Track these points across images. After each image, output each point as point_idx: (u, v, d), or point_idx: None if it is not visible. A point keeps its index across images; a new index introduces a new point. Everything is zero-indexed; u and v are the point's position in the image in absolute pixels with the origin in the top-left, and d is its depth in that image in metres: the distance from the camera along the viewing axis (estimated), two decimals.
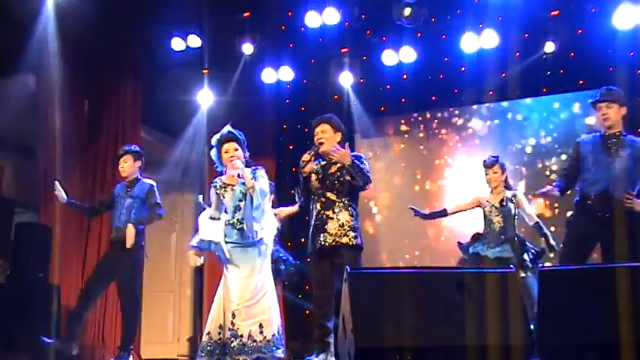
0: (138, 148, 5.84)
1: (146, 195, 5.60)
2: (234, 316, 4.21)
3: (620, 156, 4.41)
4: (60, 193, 5.64)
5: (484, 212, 5.75)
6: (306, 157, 4.36)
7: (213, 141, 4.57)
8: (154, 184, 5.71)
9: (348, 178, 4.32)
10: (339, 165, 4.35)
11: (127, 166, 5.69)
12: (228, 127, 4.53)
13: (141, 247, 5.53)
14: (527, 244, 5.67)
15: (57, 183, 5.68)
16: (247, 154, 4.56)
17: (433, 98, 7.89)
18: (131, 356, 5.58)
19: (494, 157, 5.77)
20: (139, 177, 5.74)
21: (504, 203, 5.62)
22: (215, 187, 4.49)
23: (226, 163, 4.45)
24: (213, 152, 4.57)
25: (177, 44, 7.44)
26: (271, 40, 7.62)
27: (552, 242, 5.54)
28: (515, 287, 3.22)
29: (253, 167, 4.48)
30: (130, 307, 5.56)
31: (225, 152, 4.47)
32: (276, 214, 5.47)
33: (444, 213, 5.94)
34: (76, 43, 7.20)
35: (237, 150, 4.46)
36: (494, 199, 5.71)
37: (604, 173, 4.44)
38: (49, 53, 6.80)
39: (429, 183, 7.92)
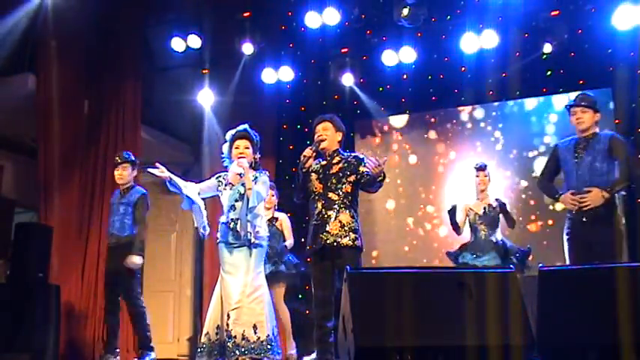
0: (134, 157, 5.92)
1: (135, 203, 5.69)
2: (229, 317, 4.23)
3: (583, 158, 4.44)
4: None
5: (469, 221, 5.87)
6: (307, 152, 4.32)
7: (228, 136, 4.61)
8: (146, 192, 5.81)
9: (350, 179, 4.30)
10: (340, 165, 4.33)
11: (126, 174, 5.78)
12: (245, 126, 4.59)
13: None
14: (512, 245, 5.76)
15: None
16: (258, 156, 4.59)
17: (433, 98, 7.89)
18: (152, 354, 5.65)
19: (484, 163, 5.99)
20: (134, 184, 5.86)
21: (487, 211, 5.77)
22: (218, 180, 4.54)
23: (234, 159, 4.49)
24: (226, 146, 4.61)
25: (177, 44, 7.44)
26: (271, 40, 7.62)
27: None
28: (515, 287, 3.22)
29: (259, 171, 4.52)
30: (136, 308, 5.64)
31: (236, 148, 4.51)
32: None
33: (459, 232, 5.95)
34: (76, 43, 7.20)
35: (247, 148, 4.50)
36: (478, 207, 5.83)
37: (573, 178, 4.49)
38: (49, 53, 6.81)
39: (429, 183, 7.91)
